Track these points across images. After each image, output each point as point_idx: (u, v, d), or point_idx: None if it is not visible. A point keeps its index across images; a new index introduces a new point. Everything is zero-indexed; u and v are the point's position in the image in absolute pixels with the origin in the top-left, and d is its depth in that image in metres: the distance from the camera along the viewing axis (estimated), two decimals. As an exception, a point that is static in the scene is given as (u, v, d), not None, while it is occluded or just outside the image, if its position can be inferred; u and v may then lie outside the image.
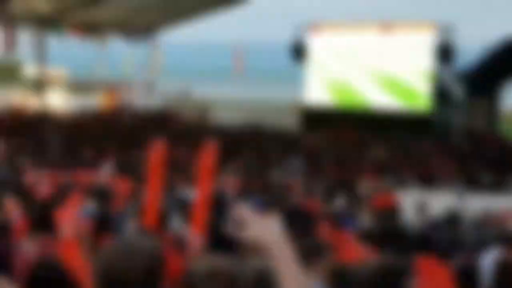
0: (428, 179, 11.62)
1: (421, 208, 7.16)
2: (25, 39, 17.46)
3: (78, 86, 19.59)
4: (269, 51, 19.91)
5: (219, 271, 1.52)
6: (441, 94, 15.97)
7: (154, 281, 1.36)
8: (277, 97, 18.38)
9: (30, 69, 18.62)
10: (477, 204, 8.43)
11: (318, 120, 16.19)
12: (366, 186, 9.85)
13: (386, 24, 16.43)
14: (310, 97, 17.06)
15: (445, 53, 15.24)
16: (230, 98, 18.05)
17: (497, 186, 11.59)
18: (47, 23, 17.63)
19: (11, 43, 17.17)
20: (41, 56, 17.15)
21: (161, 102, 17.91)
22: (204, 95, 18.76)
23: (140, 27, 18.75)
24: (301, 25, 17.22)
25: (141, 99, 17.74)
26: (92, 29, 18.00)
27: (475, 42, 17.12)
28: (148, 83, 18.19)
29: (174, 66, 17.99)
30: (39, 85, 17.37)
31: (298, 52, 16.93)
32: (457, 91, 16.25)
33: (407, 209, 7.10)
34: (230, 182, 8.61)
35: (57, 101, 18.30)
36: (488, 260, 2.73)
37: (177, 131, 14.79)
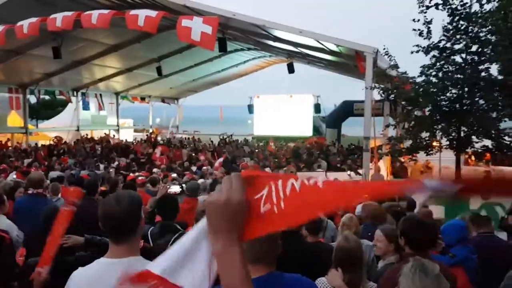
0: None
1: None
2: (107, 103, 25.04)
3: (138, 128, 28.58)
4: (236, 109, 30.28)
5: None
6: (315, 126, 25.91)
7: (135, 218, 1.88)
8: (242, 131, 28.28)
9: (111, 120, 25.94)
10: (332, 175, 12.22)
11: (261, 139, 24.99)
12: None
13: (291, 95, 26.64)
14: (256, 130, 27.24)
15: (317, 107, 24.60)
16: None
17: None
18: (120, 94, 25.14)
19: (100, 106, 24.64)
20: (117, 112, 26.08)
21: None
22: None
23: (170, 96, 27.72)
24: (251, 96, 26.70)
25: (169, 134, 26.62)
26: (144, 97, 26.57)
27: (330, 103, 26.07)
28: (175, 126, 28.14)
29: (188, 117, 29.13)
30: (117, 128, 26.10)
31: (250, 108, 26.64)
32: (322, 125, 25.93)
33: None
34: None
35: (127, 135, 25.96)
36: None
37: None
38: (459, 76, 10.02)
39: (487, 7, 9.61)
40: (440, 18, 9.67)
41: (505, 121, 10.89)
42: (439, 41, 9.67)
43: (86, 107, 23.28)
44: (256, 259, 1.71)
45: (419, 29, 9.69)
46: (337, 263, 2.63)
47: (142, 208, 1.99)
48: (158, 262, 1.08)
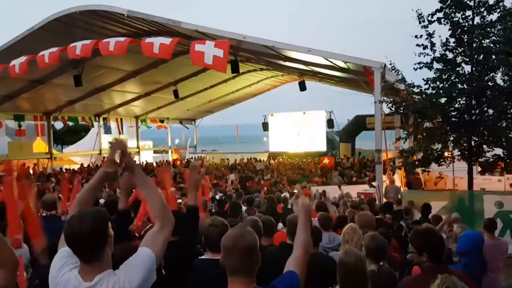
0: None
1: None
2: (127, 127, 25.95)
3: (158, 150, 29.18)
4: (252, 127, 30.87)
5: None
6: (329, 141, 26.48)
7: (100, 234, 1.80)
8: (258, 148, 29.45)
9: (132, 142, 25.72)
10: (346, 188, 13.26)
11: (275, 156, 26.35)
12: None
13: (304, 112, 27.12)
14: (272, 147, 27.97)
15: (330, 123, 25.22)
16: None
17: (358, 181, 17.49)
18: (139, 117, 26.39)
19: (120, 130, 25.21)
20: (137, 135, 26.96)
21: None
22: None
23: (187, 118, 28.55)
24: (265, 114, 27.99)
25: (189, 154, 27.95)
26: (162, 119, 27.31)
27: (343, 118, 26.95)
28: (193, 146, 29.07)
29: (205, 137, 29.88)
30: (138, 151, 26.58)
31: (265, 126, 27.58)
32: (336, 140, 26.72)
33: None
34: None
35: (148, 158, 26.99)
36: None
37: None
38: (465, 86, 10.20)
39: (489, 18, 9.84)
40: (439, 32, 9.93)
41: (515, 129, 10.93)
42: (442, 55, 9.90)
43: (108, 131, 24.04)
44: (233, 270, 1.80)
45: (422, 44, 9.96)
46: (340, 277, 2.54)
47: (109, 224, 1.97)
48: None
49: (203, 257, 2.96)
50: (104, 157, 24.57)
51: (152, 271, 1.89)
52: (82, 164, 22.87)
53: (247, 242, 1.84)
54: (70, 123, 23.81)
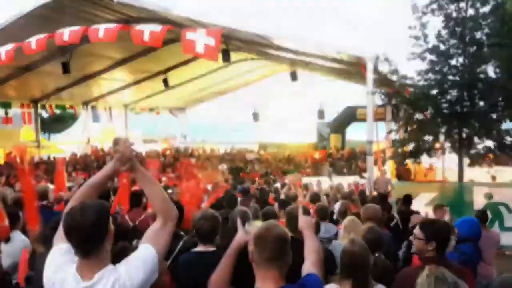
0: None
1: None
2: (116, 115, 25.43)
3: (147, 139, 28.75)
4: (242, 117, 30.53)
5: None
6: (319, 132, 26.33)
7: (102, 228, 1.76)
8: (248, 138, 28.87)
9: (121, 132, 25.05)
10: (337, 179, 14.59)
11: (266, 147, 26.61)
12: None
13: (295, 102, 26.52)
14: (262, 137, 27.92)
15: (320, 114, 24.44)
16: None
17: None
18: (128, 106, 26.10)
19: (109, 118, 24.98)
20: (126, 124, 26.53)
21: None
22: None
23: (177, 107, 28.26)
24: (256, 104, 26.65)
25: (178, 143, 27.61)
26: (152, 108, 26.98)
27: (333, 109, 25.53)
28: (183, 135, 28.76)
29: (195, 127, 29.81)
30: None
31: (255, 116, 26.86)
32: (326, 131, 26.34)
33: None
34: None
35: (137, 147, 26.74)
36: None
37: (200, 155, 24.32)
38: (457, 78, 10.22)
39: (482, 10, 9.82)
40: (433, 24, 9.90)
41: (505, 121, 11.04)
42: (434, 47, 9.89)
43: (96, 119, 23.70)
44: (266, 260, 1.79)
45: (416, 36, 9.93)
46: (343, 267, 2.57)
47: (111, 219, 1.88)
48: None
49: (196, 249, 2.94)
50: (92, 146, 24.40)
51: (155, 270, 1.82)
52: (73, 153, 22.55)
53: (281, 231, 1.88)
54: (58, 111, 23.44)
